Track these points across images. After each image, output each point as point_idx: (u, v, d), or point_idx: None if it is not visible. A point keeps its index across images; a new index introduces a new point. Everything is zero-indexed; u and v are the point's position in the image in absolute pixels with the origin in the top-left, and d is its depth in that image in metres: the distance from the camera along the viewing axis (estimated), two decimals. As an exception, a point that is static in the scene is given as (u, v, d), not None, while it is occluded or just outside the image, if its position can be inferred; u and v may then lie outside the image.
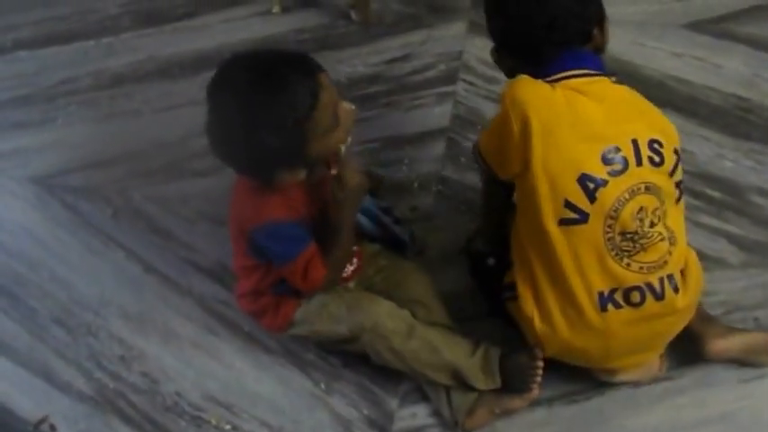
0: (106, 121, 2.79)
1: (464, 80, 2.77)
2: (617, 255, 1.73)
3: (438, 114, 2.68)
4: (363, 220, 2.06)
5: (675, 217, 1.82)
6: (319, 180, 1.85)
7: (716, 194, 2.40)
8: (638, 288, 1.76)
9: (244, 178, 1.84)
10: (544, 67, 1.76)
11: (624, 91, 1.81)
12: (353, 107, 1.78)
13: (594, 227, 1.71)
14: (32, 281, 2.34)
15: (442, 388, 1.95)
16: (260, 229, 1.82)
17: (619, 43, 2.77)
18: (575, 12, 1.75)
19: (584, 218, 1.70)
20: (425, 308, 2.02)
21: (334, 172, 1.80)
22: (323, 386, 2.07)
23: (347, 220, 1.87)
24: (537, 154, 1.68)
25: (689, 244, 1.86)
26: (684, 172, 2.37)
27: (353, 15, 3.02)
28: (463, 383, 1.91)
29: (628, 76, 2.70)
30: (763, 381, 2.00)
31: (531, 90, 1.72)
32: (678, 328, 1.90)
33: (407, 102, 2.75)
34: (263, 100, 1.62)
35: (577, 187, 1.69)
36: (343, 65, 2.89)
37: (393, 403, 2.03)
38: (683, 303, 1.82)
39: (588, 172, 1.69)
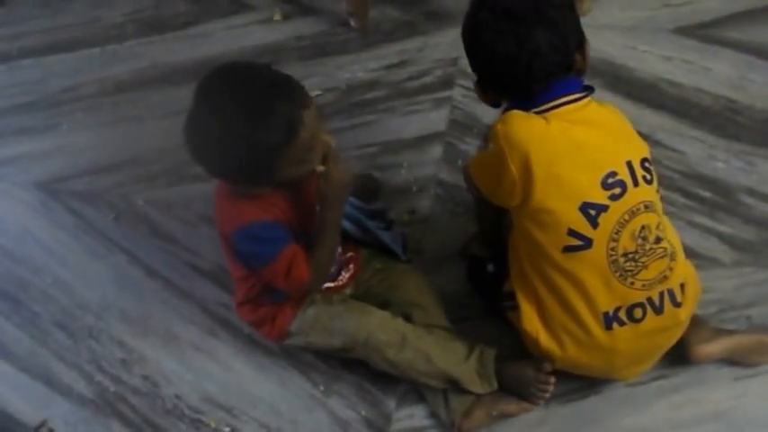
0: (109, 127, 2.75)
1: (460, 85, 2.72)
2: (621, 276, 1.69)
3: (435, 119, 2.64)
4: (346, 224, 2.01)
5: (671, 230, 1.79)
6: (300, 187, 1.80)
7: (707, 195, 2.36)
8: (640, 304, 1.73)
9: (221, 184, 1.81)
10: (530, 100, 1.69)
11: (609, 112, 1.75)
12: (332, 141, 1.74)
13: (598, 251, 1.67)
14: (35, 285, 2.30)
15: (438, 390, 1.91)
16: (239, 232, 1.77)
17: (612, 47, 2.76)
18: (555, 45, 1.63)
19: (587, 244, 1.66)
20: (422, 310, 1.98)
21: (321, 168, 1.73)
22: (322, 388, 2.03)
23: (333, 218, 1.81)
24: (538, 190, 1.64)
25: (685, 249, 1.83)
26: (677, 172, 2.35)
27: (352, 23, 2.98)
28: (460, 388, 1.87)
29: (622, 78, 2.69)
30: (756, 378, 1.97)
31: (526, 128, 1.65)
32: (676, 339, 1.87)
33: (405, 107, 2.70)
34: (243, 120, 1.58)
35: (580, 215, 1.64)
36: (342, 71, 2.85)
37: (391, 404, 1.99)
38: (685, 316, 1.79)
39: (589, 200, 1.64)
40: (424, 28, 2.98)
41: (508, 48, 1.63)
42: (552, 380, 1.84)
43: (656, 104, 2.59)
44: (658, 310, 1.73)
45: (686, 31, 2.86)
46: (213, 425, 1.99)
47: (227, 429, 1.98)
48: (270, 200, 1.75)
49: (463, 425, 1.87)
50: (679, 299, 1.76)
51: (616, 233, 1.65)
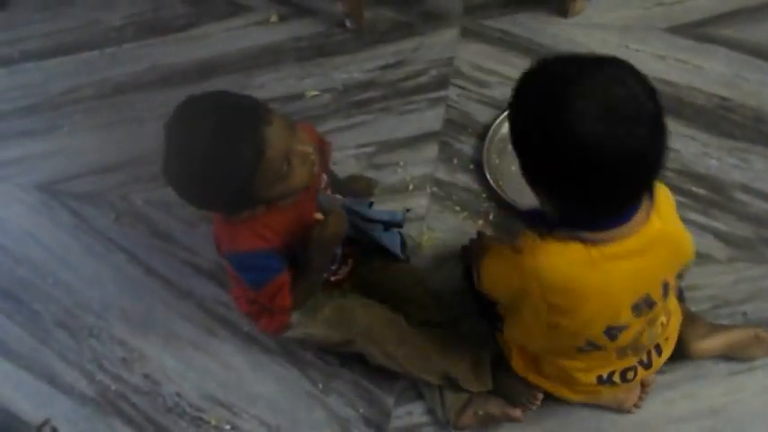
0: (109, 129, 2.74)
1: (455, 85, 2.70)
2: (620, 355, 1.67)
3: (431, 118, 2.62)
4: None
5: (674, 301, 1.76)
6: (295, 205, 1.77)
7: (702, 192, 2.34)
8: (632, 368, 1.74)
9: None
10: (598, 221, 1.39)
11: (660, 224, 1.44)
12: (309, 149, 1.66)
13: (609, 352, 1.63)
14: (36, 285, 2.31)
15: (435, 387, 1.91)
16: (234, 258, 1.78)
17: (604, 46, 2.73)
18: (663, 154, 1.29)
19: (601, 348, 1.61)
20: (419, 308, 1.98)
21: (319, 216, 1.73)
22: (320, 385, 2.03)
23: (320, 260, 1.82)
24: (565, 321, 1.50)
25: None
26: (671, 170, 2.34)
27: (348, 24, 2.97)
28: (456, 386, 1.87)
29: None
30: (752, 373, 1.96)
31: (563, 266, 1.41)
32: None
33: (401, 106, 2.68)
34: (207, 157, 1.53)
35: (601, 334, 1.56)
36: (338, 71, 2.83)
37: (389, 402, 1.99)
38: (664, 359, 1.80)
39: (616, 324, 1.54)
40: (420, 29, 2.96)
41: (621, 150, 1.25)
42: (541, 396, 1.84)
43: (651, 103, 2.57)
44: (647, 367, 1.75)
45: (679, 29, 2.84)
46: (214, 422, 1.99)
47: (228, 427, 1.98)
48: (264, 221, 1.72)
49: (458, 422, 1.88)
50: (662, 348, 1.77)
51: (633, 339, 1.61)
